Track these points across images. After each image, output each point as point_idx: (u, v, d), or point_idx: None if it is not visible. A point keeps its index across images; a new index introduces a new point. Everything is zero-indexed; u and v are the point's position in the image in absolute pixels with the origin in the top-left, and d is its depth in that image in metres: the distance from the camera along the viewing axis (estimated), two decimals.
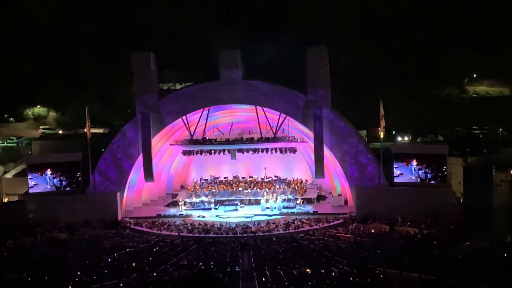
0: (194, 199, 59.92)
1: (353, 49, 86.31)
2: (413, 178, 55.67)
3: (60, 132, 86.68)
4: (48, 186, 57.91)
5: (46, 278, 34.63)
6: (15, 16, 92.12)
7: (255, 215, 56.82)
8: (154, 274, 35.09)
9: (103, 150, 58.64)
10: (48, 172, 57.80)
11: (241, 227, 53.39)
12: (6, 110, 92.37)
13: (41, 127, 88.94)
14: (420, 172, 55.45)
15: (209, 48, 73.76)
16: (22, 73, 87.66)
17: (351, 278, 32.35)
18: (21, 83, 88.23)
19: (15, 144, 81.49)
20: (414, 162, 55.54)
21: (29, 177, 57.94)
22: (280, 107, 56.74)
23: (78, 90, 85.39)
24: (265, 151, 59.38)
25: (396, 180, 55.80)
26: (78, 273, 35.12)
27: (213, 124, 61.65)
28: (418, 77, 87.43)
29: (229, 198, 60.18)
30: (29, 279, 34.44)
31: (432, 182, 55.43)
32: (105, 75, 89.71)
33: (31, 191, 57.76)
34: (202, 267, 37.45)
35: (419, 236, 47.22)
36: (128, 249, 45.22)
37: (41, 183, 57.83)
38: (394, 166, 55.65)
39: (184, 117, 58.05)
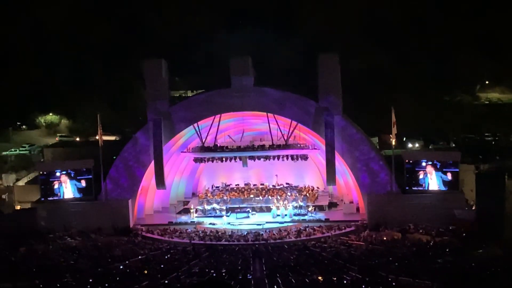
0: (205, 206, 59.95)
1: (364, 56, 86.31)
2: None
3: (78, 139, 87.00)
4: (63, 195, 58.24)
5: (58, 285, 34.70)
6: (26, 24, 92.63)
7: (267, 222, 56.79)
8: (166, 281, 35.07)
9: (114, 157, 58.77)
10: (62, 180, 58.07)
11: (252, 234, 53.32)
12: (18, 117, 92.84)
13: (58, 134, 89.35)
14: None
15: (220, 55, 73.91)
16: (33, 80, 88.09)
17: (363, 286, 32.22)
18: (33, 90, 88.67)
19: (27, 151, 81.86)
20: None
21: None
22: (291, 114, 56.71)
23: (89, 97, 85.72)
24: (276, 158, 59.35)
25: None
26: (90, 280, 35.16)
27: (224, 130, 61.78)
28: (430, 83, 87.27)
29: (241, 206, 60.20)
30: (41, 286, 34.50)
31: (445, 189, 55.25)
32: (117, 82, 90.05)
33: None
34: (214, 274, 37.41)
35: (431, 243, 47.03)
36: (139, 256, 45.25)
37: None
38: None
39: (195, 124, 58.15)
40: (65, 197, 57.94)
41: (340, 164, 57.57)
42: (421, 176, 55.48)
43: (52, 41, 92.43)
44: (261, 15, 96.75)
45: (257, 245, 49.58)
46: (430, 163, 55.41)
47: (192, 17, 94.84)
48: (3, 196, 66.31)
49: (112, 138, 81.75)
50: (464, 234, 48.38)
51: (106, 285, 34.17)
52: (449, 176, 54.94)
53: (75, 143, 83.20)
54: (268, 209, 59.32)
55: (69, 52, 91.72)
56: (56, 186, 57.89)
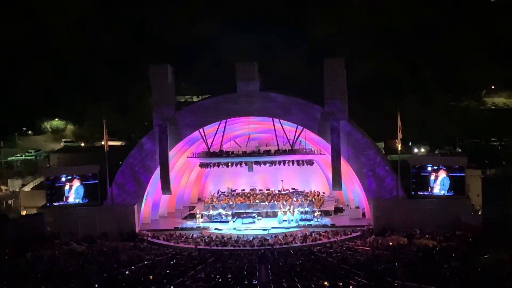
0: (211, 212, 59.92)
1: (370, 60, 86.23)
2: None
3: (82, 144, 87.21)
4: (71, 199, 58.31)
5: None
6: (34, 30, 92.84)
7: (273, 227, 56.73)
8: (172, 287, 35.03)
9: (120, 162, 58.79)
10: (68, 185, 58.16)
11: (258, 239, 53.27)
12: (24, 123, 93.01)
13: (63, 140, 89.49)
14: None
15: (226, 60, 73.97)
16: (40, 86, 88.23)
17: None
18: (40, 96, 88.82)
19: (34, 157, 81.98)
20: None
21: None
22: (297, 119, 56.67)
23: (95, 103, 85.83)
24: (282, 163, 59.27)
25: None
26: (96, 285, 35.12)
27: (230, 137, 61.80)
28: (436, 88, 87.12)
29: (246, 211, 60.16)
30: None
31: (451, 194, 55.12)
32: (123, 88, 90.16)
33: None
34: (220, 279, 37.34)
35: (437, 248, 46.83)
36: (145, 262, 45.20)
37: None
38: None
39: (201, 129, 58.12)
40: (71, 202, 58.00)
41: (346, 169, 57.55)
42: (432, 178, 55.33)
43: (60, 46, 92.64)
44: (267, 21, 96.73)
45: (262, 250, 49.48)
46: (442, 167, 55.36)
47: (199, 22, 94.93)
48: (9, 202, 66.41)
49: (118, 143, 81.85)
50: (470, 240, 48.20)
51: None
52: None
53: (80, 148, 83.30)
54: (274, 214, 59.27)
55: (76, 58, 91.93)
56: (62, 191, 57.95)
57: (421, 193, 55.65)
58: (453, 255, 42.83)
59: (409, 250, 46.82)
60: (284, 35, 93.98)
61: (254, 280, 36.39)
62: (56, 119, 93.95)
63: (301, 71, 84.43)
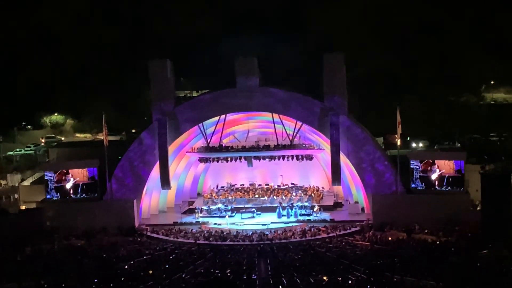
0: (210, 207, 59.93)
1: (370, 56, 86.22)
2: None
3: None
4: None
5: (63, 285, 34.75)
6: (33, 25, 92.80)
7: (272, 222, 56.72)
8: (171, 281, 35.09)
9: (119, 157, 58.76)
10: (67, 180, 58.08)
11: (257, 234, 53.24)
12: (24, 117, 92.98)
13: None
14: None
15: (225, 55, 73.92)
16: (39, 81, 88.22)
17: (368, 286, 32.18)
18: (39, 91, 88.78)
19: (33, 151, 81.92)
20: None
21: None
22: (297, 114, 56.65)
23: (95, 98, 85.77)
24: (281, 158, 59.29)
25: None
26: (95, 280, 35.18)
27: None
28: (435, 84, 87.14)
29: (246, 206, 60.15)
30: (46, 286, 34.55)
31: (450, 189, 55.13)
32: (122, 83, 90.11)
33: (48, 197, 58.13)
34: (219, 274, 37.39)
35: (436, 243, 46.93)
36: (144, 257, 45.27)
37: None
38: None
39: (200, 124, 58.11)
40: (70, 197, 57.95)
41: (345, 164, 57.57)
42: (431, 173, 55.35)
43: (59, 41, 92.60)
44: (267, 16, 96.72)
45: (262, 245, 49.53)
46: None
47: (199, 18, 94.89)
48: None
49: (117, 138, 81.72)
50: (469, 235, 48.27)
51: (111, 285, 34.21)
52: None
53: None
54: (273, 209, 59.26)
55: (76, 53, 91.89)
56: (62, 186, 57.91)
57: (420, 188, 55.69)
58: (452, 250, 42.92)
59: (408, 245, 46.92)
60: (285, 31, 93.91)
61: (253, 275, 36.46)
62: (56, 114, 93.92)
63: (301, 67, 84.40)
